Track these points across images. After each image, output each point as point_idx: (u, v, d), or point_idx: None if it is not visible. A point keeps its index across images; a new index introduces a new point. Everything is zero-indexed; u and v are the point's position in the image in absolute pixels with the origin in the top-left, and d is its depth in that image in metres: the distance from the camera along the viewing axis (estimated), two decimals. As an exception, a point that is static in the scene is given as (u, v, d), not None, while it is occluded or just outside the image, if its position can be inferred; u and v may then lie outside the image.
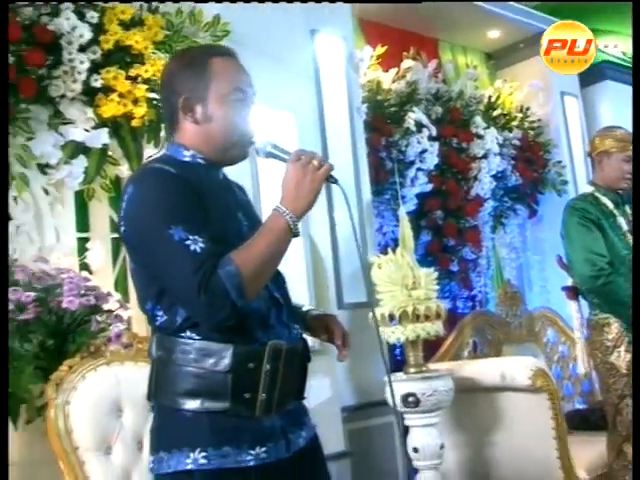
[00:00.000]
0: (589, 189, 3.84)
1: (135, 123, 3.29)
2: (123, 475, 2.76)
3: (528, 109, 6.36)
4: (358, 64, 4.77)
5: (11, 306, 2.75)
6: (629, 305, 3.35)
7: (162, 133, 3.42)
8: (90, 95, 3.21)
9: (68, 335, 2.88)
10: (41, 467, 2.76)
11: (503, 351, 4.91)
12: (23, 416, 2.82)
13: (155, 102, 3.32)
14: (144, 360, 2.94)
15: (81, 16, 3.13)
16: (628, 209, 3.74)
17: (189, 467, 1.77)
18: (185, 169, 1.88)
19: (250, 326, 1.82)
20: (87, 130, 3.21)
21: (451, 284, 5.51)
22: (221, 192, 1.97)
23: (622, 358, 3.56)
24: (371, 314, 3.50)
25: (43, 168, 3.20)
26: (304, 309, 2.18)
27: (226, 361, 1.78)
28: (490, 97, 6.07)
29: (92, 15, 3.16)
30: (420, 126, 5.12)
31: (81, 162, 3.24)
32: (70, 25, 3.07)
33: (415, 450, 3.58)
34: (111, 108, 3.21)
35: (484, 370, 3.89)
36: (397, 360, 4.58)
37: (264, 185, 3.59)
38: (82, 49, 3.12)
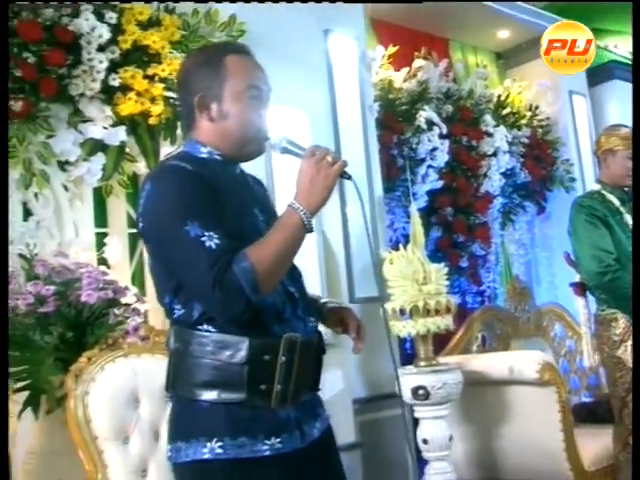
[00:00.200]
0: (596, 187, 3.83)
1: (152, 121, 3.31)
2: (140, 464, 2.78)
3: (537, 108, 6.33)
4: (370, 63, 4.76)
5: (32, 299, 2.78)
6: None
7: (178, 131, 3.44)
8: (108, 94, 3.23)
9: (87, 328, 2.89)
10: (61, 456, 2.78)
11: (511, 345, 4.91)
12: (44, 406, 2.85)
13: (172, 100, 3.34)
14: (161, 352, 2.96)
15: (100, 17, 3.15)
16: None
17: (206, 456, 1.78)
18: (202, 166, 1.88)
19: (265, 320, 1.82)
20: (105, 128, 3.23)
21: (460, 279, 5.50)
22: (238, 188, 1.96)
23: (629, 352, 3.55)
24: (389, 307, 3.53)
25: (63, 165, 3.22)
26: (321, 301, 2.17)
27: (242, 353, 1.79)
28: (499, 96, 6.04)
29: (111, 16, 3.18)
30: (431, 124, 5.11)
31: (99, 159, 3.26)
32: (89, 26, 3.09)
33: (425, 441, 3.59)
34: (129, 106, 3.23)
35: (493, 364, 3.89)
36: (407, 354, 4.58)
37: (278, 181, 3.61)
38: (101, 49, 3.14)
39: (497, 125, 5.70)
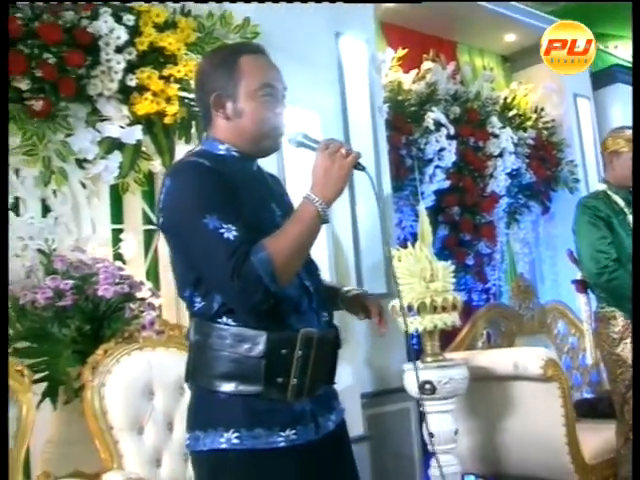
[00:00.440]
0: (602, 186, 3.82)
1: (167, 120, 3.32)
2: (154, 454, 2.81)
3: (542, 110, 6.32)
4: (380, 65, 4.76)
5: (50, 293, 2.80)
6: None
7: (193, 130, 3.45)
8: (125, 94, 3.24)
9: (104, 321, 2.91)
10: (78, 445, 2.80)
11: (515, 342, 4.89)
12: (61, 397, 2.87)
13: (187, 100, 3.35)
14: (175, 346, 2.99)
15: (118, 19, 3.16)
16: None
17: (223, 446, 1.79)
18: (220, 162, 1.89)
19: (283, 312, 1.82)
20: (122, 127, 3.24)
21: (466, 277, 5.49)
22: (255, 184, 1.97)
23: (628, 349, 3.55)
24: (390, 304, 3.53)
25: (81, 163, 3.24)
26: (344, 289, 2.17)
27: (260, 347, 1.79)
28: (506, 98, 6.04)
29: (128, 18, 3.19)
30: (439, 125, 5.11)
31: (116, 157, 3.27)
32: (108, 27, 3.09)
33: (431, 435, 3.58)
34: (145, 106, 3.23)
35: (498, 360, 3.89)
36: (414, 349, 4.58)
37: (290, 176, 3.63)
38: (119, 50, 3.14)
39: (503, 126, 5.69)
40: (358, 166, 1.87)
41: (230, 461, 1.80)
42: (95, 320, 2.89)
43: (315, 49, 4.16)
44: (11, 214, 3.06)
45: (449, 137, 5.17)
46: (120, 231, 3.53)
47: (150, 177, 3.58)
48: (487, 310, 4.92)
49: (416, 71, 5.39)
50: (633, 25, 4.34)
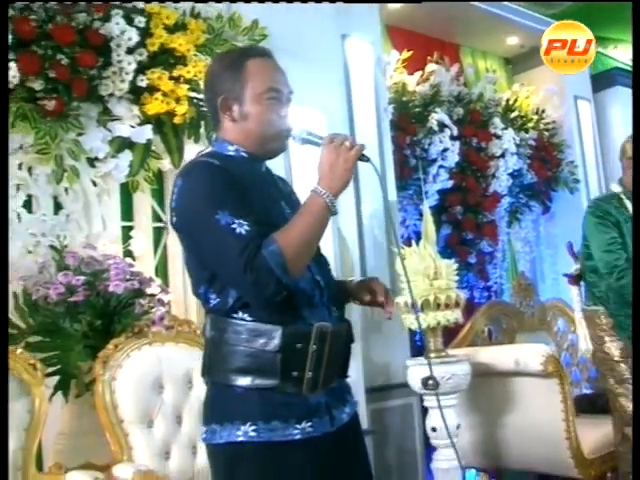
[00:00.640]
0: (617, 189, 3.74)
1: (177, 120, 3.33)
2: (163, 447, 2.81)
3: (543, 111, 6.32)
4: (385, 67, 4.76)
5: (62, 289, 2.80)
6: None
7: (202, 129, 3.45)
8: (136, 94, 3.24)
9: (114, 316, 2.92)
10: (88, 437, 2.82)
11: (516, 339, 4.89)
12: (73, 390, 2.88)
13: (196, 101, 3.35)
14: (184, 341, 3.00)
15: (130, 21, 3.16)
16: None
17: (240, 439, 1.80)
18: (229, 162, 1.90)
19: (297, 305, 1.83)
20: (133, 126, 3.25)
21: (469, 275, 5.49)
22: (264, 183, 1.98)
23: (615, 347, 3.53)
24: (395, 302, 3.52)
25: (92, 161, 3.25)
26: (349, 279, 2.17)
27: (276, 341, 1.80)
28: (508, 100, 6.04)
29: (140, 20, 3.19)
30: (442, 126, 5.11)
31: (127, 156, 3.28)
32: (119, 29, 3.10)
33: (433, 429, 3.59)
34: (155, 106, 3.24)
35: (499, 356, 3.89)
36: (417, 346, 4.59)
37: (297, 176, 3.64)
38: (130, 51, 3.15)
39: (505, 128, 5.70)
40: (363, 157, 1.87)
41: (247, 453, 1.81)
42: (106, 315, 2.89)
43: (322, 51, 4.16)
44: (24, 211, 3.08)
45: (452, 138, 5.18)
46: (130, 228, 3.53)
47: (159, 175, 3.58)
48: (489, 307, 4.92)
49: (420, 73, 5.39)
50: (633, 25, 4.31)
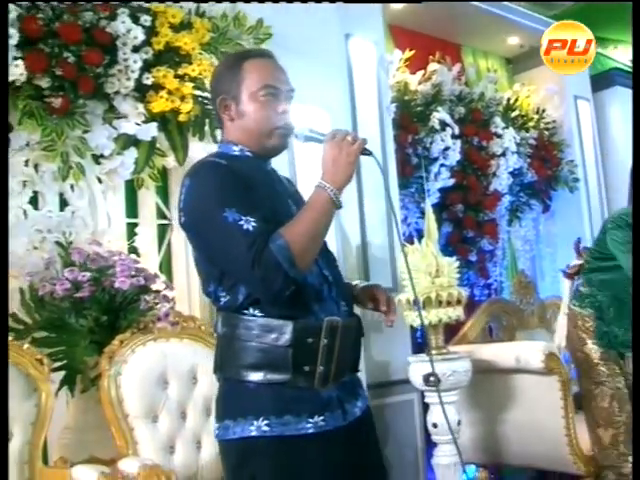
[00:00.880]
0: None
1: (182, 118, 3.32)
2: (168, 441, 2.82)
3: (544, 111, 6.32)
4: (388, 66, 4.77)
5: (68, 285, 2.80)
6: None
7: (206, 127, 3.45)
8: (142, 92, 3.23)
9: (120, 312, 2.91)
10: (94, 432, 2.82)
11: (516, 336, 4.90)
12: (79, 385, 2.88)
13: (200, 99, 3.35)
14: (188, 337, 3.00)
15: (135, 20, 3.15)
16: None
17: (253, 434, 1.80)
18: (235, 162, 1.91)
19: (306, 299, 1.84)
20: (138, 124, 3.24)
21: (469, 273, 5.50)
22: (270, 182, 2.00)
23: (595, 350, 3.52)
24: (397, 299, 3.52)
25: (97, 159, 3.24)
26: (353, 283, 2.18)
27: (287, 336, 1.80)
28: (509, 99, 6.04)
29: (145, 19, 3.18)
30: (444, 125, 5.12)
31: (132, 153, 3.27)
32: (126, 28, 3.09)
33: (434, 425, 3.60)
34: (160, 104, 3.23)
35: (500, 353, 3.89)
36: (418, 342, 4.59)
37: (301, 175, 3.64)
38: (135, 50, 3.14)
39: (506, 127, 5.70)
40: (365, 151, 1.88)
41: (260, 448, 1.81)
42: (111, 311, 2.89)
43: (326, 50, 4.16)
44: (30, 207, 3.07)
45: (454, 136, 5.18)
46: (135, 225, 3.53)
47: (164, 173, 3.58)
48: (489, 305, 4.93)
49: (422, 72, 5.40)
50: (633, 25, 4.29)
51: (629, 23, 4.99)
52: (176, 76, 3.26)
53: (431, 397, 3.59)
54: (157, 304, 2.98)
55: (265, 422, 1.80)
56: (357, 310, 2.09)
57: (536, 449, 3.77)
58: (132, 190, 3.49)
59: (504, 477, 4.66)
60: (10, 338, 2.57)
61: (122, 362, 2.78)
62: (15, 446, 2.51)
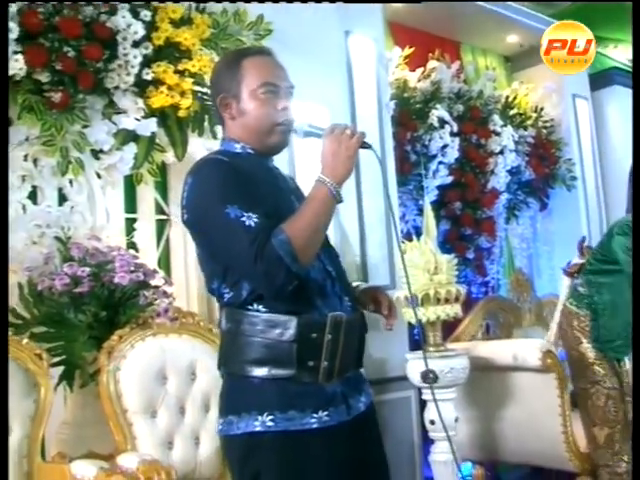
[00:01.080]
0: None
1: (181, 113, 3.31)
2: (166, 437, 2.82)
3: (542, 109, 6.31)
4: (387, 63, 4.76)
5: (67, 280, 2.79)
6: None
7: (206, 123, 3.44)
8: (141, 87, 3.22)
9: (119, 308, 2.91)
10: (92, 427, 2.81)
11: (513, 334, 4.91)
12: (77, 380, 2.88)
13: (200, 95, 3.34)
14: (187, 333, 3.00)
15: (136, 14, 3.14)
16: None
17: (257, 429, 1.81)
18: (237, 159, 1.92)
19: (310, 294, 1.85)
20: (137, 119, 3.23)
21: (467, 270, 5.50)
22: (273, 178, 2.01)
23: (590, 349, 3.51)
24: (395, 296, 3.52)
25: (97, 154, 3.23)
26: (354, 284, 2.19)
27: (291, 331, 1.81)
28: (507, 97, 6.04)
29: (145, 14, 3.17)
30: (443, 122, 5.11)
31: (131, 149, 3.26)
32: (126, 23, 3.08)
33: (432, 422, 3.60)
34: (160, 99, 3.22)
35: (497, 350, 3.90)
36: (416, 339, 4.59)
37: (300, 172, 3.63)
38: (136, 45, 3.13)
39: (504, 125, 5.70)
40: (364, 145, 1.89)
41: (265, 442, 1.82)
42: (111, 307, 2.88)
43: (325, 47, 4.16)
44: (29, 202, 3.07)
45: (452, 134, 5.17)
46: (133, 220, 3.53)
47: (163, 168, 3.57)
48: (486, 302, 4.94)
49: (422, 69, 5.39)
50: (633, 25, 4.28)
51: (628, 22, 4.98)
52: (176, 72, 3.25)
53: (428, 394, 3.58)
54: (156, 300, 2.97)
55: (270, 417, 1.80)
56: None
57: (533, 446, 3.77)
58: (131, 185, 3.48)
59: (500, 474, 4.67)
60: (9, 333, 2.56)
61: (121, 357, 2.78)
62: (14, 440, 2.51)
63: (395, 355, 4.04)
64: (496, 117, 5.67)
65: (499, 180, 5.62)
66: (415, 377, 3.58)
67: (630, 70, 7.38)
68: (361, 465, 1.93)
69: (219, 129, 2.84)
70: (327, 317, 1.84)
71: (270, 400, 1.82)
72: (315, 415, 1.83)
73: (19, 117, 2.92)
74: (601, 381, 3.47)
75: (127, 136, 3.24)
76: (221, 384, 1.96)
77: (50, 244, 3.01)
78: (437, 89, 5.29)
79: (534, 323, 5.14)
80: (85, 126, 3.11)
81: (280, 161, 2.22)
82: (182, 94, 3.27)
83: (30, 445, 2.54)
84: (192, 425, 2.90)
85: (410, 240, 3.72)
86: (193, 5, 3.46)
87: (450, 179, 5.24)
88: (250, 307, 1.85)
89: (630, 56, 7.75)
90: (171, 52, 3.29)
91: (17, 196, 3.00)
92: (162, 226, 3.67)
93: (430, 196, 5.06)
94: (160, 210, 3.66)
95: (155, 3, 3.26)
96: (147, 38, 3.18)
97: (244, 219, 1.75)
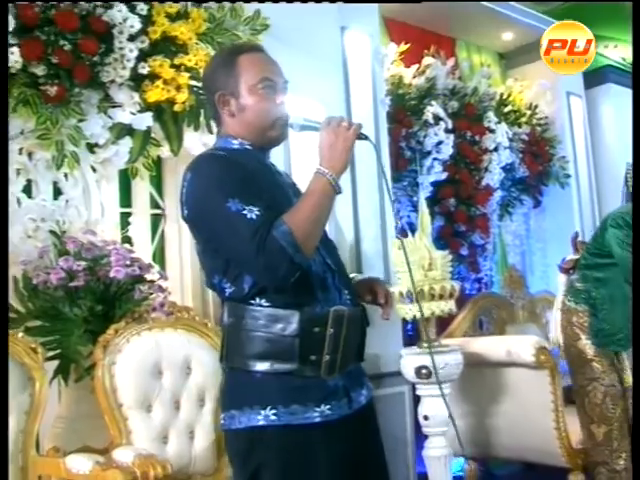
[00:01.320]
0: None
1: (177, 108, 3.30)
2: (161, 431, 2.82)
3: (536, 107, 6.32)
4: (383, 60, 4.75)
5: (63, 274, 2.79)
6: None
7: (201, 118, 3.43)
8: (137, 81, 3.21)
9: (114, 302, 2.91)
10: (87, 421, 2.81)
11: (506, 330, 4.92)
12: (73, 374, 2.87)
13: (196, 89, 3.33)
14: (182, 327, 3.00)
15: (132, 8, 3.13)
16: None
17: (260, 423, 1.82)
18: (235, 154, 1.93)
19: (311, 287, 1.85)
20: (133, 113, 3.22)
21: (460, 267, 5.50)
22: (270, 174, 2.01)
23: (589, 345, 3.52)
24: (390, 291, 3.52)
25: (92, 147, 3.22)
26: (351, 275, 2.18)
27: (293, 326, 1.81)
28: (502, 94, 6.05)
29: (142, 8, 3.16)
30: (437, 119, 5.12)
31: (126, 143, 3.26)
32: (122, 16, 3.07)
33: (425, 418, 3.60)
34: (156, 93, 3.22)
35: (491, 346, 3.91)
36: (409, 335, 4.60)
37: (296, 166, 3.63)
38: (131, 39, 3.12)
39: (499, 122, 5.71)
40: (361, 136, 1.90)
41: (267, 436, 1.82)
42: (106, 301, 2.88)
43: (321, 42, 4.15)
44: (24, 196, 3.06)
45: (447, 131, 5.19)
46: (128, 214, 3.52)
47: (158, 163, 3.57)
48: (480, 299, 4.95)
49: (417, 66, 5.40)
50: (633, 25, 4.29)
51: (623, 20, 4.99)
52: (172, 66, 3.24)
53: (422, 390, 3.59)
54: (152, 294, 2.97)
55: (272, 411, 1.81)
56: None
57: (525, 442, 3.79)
58: (126, 179, 3.47)
59: (493, 470, 4.68)
60: (4, 327, 2.56)
61: (116, 351, 2.77)
62: (9, 435, 2.50)
63: (388, 351, 4.04)
64: (491, 114, 5.68)
65: (493, 177, 5.63)
66: (409, 373, 3.58)
67: (624, 68, 7.40)
68: (361, 458, 1.94)
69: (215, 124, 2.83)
70: (329, 311, 1.85)
71: (273, 394, 1.82)
72: (317, 409, 1.83)
73: (14, 110, 2.91)
74: (599, 378, 3.46)
75: (122, 130, 3.24)
76: (221, 379, 1.98)
77: (45, 238, 3.01)
78: (432, 86, 5.30)
79: (527, 320, 5.14)
80: (80, 120, 3.11)
81: (276, 154, 2.22)
82: (178, 88, 3.26)
83: (25, 439, 2.55)
84: (187, 419, 2.90)
85: (405, 236, 3.72)
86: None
87: (444, 176, 5.25)
88: (252, 301, 1.85)
89: (624, 54, 7.77)
90: (167, 46, 3.28)
91: (12, 189, 2.99)
92: (157, 220, 3.66)
93: (424, 192, 5.07)
94: (155, 204, 3.65)
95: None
96: (143, 32, 3.17)
97: (245, 212, 1.75)
